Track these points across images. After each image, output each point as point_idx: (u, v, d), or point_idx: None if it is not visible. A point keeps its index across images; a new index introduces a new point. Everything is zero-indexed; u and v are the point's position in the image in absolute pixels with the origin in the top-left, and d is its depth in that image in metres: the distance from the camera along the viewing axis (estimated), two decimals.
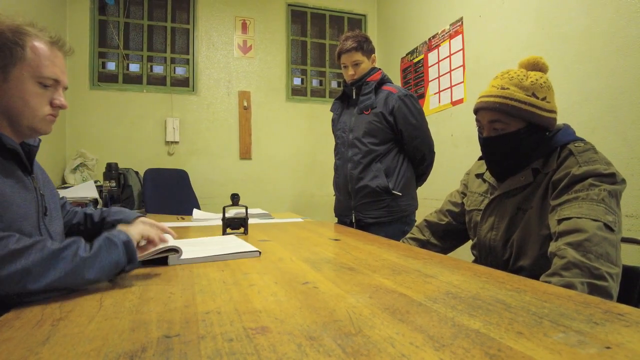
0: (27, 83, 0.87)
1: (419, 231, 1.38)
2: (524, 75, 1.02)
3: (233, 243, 1.16)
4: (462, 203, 1.29)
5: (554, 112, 1.02)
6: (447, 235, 1.33)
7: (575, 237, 0.84)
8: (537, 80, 1.01)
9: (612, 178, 0.90)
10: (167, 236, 0.99)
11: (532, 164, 1.03)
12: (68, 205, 1.19)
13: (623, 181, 0.91)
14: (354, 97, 1.89)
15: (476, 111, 1.08)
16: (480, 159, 1.29)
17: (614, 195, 0.88)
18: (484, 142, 1.08)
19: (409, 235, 1.40)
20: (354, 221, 1.87)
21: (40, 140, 1.03)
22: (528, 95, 0.99)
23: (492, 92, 1.03)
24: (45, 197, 0.98)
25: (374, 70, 1.88)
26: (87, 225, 1.15)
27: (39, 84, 0.89)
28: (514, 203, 1.05)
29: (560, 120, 1.07)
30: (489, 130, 1.05)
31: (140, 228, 0.90)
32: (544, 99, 1.00)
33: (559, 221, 0.88)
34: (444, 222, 1.32)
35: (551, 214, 0.94)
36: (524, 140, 1.01)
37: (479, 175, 1.24)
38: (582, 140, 1.02)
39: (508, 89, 1.00)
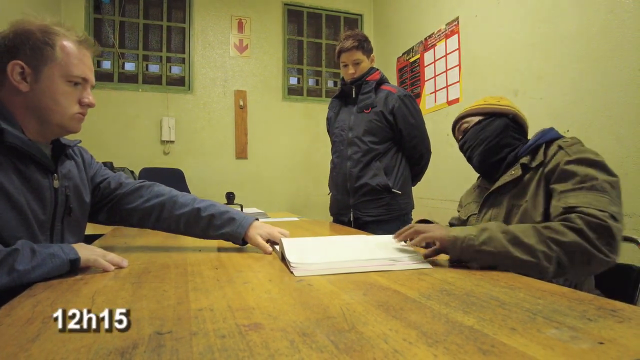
0: (57, 82, 0.88)
1: None
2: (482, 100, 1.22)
3: (382, 245, 0.99)
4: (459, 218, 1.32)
5: (510, 106, 1.16)
6: None
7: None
8: (492, 97, 1.21)
9: (606, 169, 0.92)
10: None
11: (520, 160, 1.06)
12: (147, 192, 1.14)
13: (615, 174, 0.92)
14: (353, 95, 1.90)
15: (453, 134, 1.27)
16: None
17: (614, 187, 0.89)
18: (460, 146, 1.22)
19: None
20: (351, 219, 1.87)
21: (79, 140, 1.04)
22: (481, 101, 1.20)
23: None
24: (71, 197, 0.98)
25: (372, 69, 1.90)
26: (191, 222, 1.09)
27: (69, 83, 0.89)
28: (508, 199, 1.07)
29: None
30: (459, 135, 1.22)
31: (91, 252, 0.84)
32: (497, 102, 1.17)
33: (566, 209, 0.88)
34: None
35: (554, 199, 0.93)
36: (486, 127, 1.13)
37: (473, 188, 1.29)
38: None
39: (467, 107, 1.23)
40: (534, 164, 1.03)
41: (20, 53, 0.84)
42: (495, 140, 1.11)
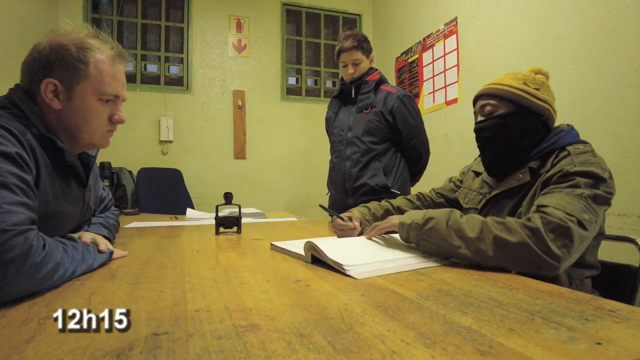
0: (89, 100, 0.87)
1: (410, 198, 1.36)
2: (520, 73, 1.05)
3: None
4: (455, 197, 1.28)
5: (547, 103, 1.02)
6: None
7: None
8: (531, 74, 1.04)
9: (605, 185, 0.86)
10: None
11: (529, 163, 1.00)
12: (108, 204, 1.25)
13: (613, 192, 0.88)
14: (352, 95, 1.90)
15: (474, 104, 1.10)
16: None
17: (600, 201, 0.85)
18: (476, 129, 1.08)
19: (403, 197, 1.38)
20: None
21: (98, 150, 1.06)
22: (520, 84, 1.02)
23: (489, 83, 1.08)
24: (91, 209, 1.04)
25: (372, 69, 1.90)
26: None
27: (100, 100, 0.89)
28: (511, 204, 1.01)
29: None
30: (481, 115, 1.07)
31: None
32: (536, 89, 1.01)
33: (537, 207, 0.85)
34: (438, 201, 1.31)
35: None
36: (512, 124, 1.01)
37: (477, 174, 1.20)
38: (583, 142, 0.98)
39: (503, 79, 1.05)
40: (541, 170, 0.97)
41: (54, 70, 0.84)
42: (517, 142, 1.01)
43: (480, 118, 1.07)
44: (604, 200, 0.86)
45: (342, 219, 1.22)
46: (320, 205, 1.23)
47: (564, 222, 0.78)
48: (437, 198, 1.32)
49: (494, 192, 1.08)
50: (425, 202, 1.33)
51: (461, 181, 1.28)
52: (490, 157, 1.07)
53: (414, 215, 0.94)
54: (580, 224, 0.80)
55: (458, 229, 0.85)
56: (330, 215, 1.17)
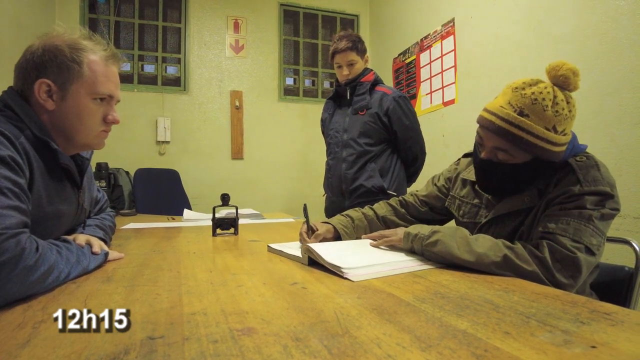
0: (83, 100, 0.88)
1: (393, 205, 1.26)
2: (550, 100, 0.85)
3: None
4: (443, 207, 1.19)
5: (567, 144, 0.91)
6: (422, 220, 1.22)
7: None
8: (562, 109, 0.86)
9: (611, 202, 0.84)
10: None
11: (536, 185, 0.93)
12: (103, 205, 1.26)
13: (618, 207, 0.86)
14: (348, 97, 1.89)
15: (481, 125, 0.93)
16: (465, 156, 1.18)
17: (607, 218, 0.84)
18: (481, 163, 0.96)
19: (385, 202, 1.28)
20: None
21: (92, 152, 1.06)
22: (547, 129, 0.85)
23: (507, 115, 0.87)
24: (86, 210, 1.05)
25: (367, 70, 1.89)
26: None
27: (94, 100, 0.90)
28: (514, 224, 0.95)
29: None
30: (490, 154, 0.93)
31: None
32: (562, 131, 0.87)
33: (542, 233, 0.84)
34: (423, 210, 1.22)
35: (540, 220, 0.89)
36: (524, 172, 0.91)
37: (466, 181, 1.12)
38: (583, 149, 0.94)
39: (528, 115, 0.85)
40: (548, 189, 0.91)
41: (48, 71, 0.84)
42: (525, 182, 0.94)
43: (487, 156, 0.93)
44: (611, 217, 0.85)
45: (309, 227, 1.12)
46: (304, 207, 1.15)
47: (572, 253, 0.79)
48: (421, 206, 1.22)
49: (492, 215, 1.00)
50: (408, 209, 1.24)
51: (448, 188, 1.18)
52: (490, 186, 1.00)
53: (420, 228, 0.95)
54: (588, 250, 0.80)
55: (466, 243, 0.85)
56: (305, 217, 1.13)
